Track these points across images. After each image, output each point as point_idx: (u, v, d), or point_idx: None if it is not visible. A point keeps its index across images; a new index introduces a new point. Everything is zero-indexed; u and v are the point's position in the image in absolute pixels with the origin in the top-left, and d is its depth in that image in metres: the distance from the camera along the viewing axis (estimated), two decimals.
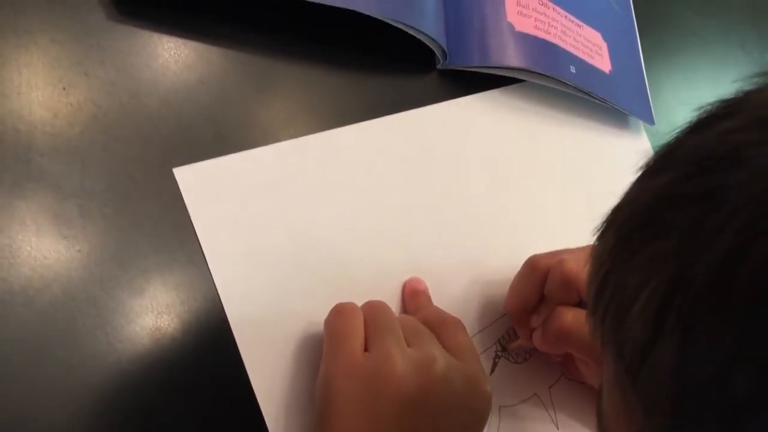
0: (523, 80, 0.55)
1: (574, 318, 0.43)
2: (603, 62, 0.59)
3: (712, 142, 0.22)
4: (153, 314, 0.38)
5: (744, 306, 0.18)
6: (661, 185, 0.22)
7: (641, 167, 0.24)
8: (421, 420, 0.38)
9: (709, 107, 0.23)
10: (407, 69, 0.52)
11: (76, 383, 0.35)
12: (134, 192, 0.39)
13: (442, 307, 0.46)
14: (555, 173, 0.57)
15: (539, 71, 0.53)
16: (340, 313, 0.40)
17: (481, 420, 0.41)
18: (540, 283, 0.46)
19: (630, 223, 0.23)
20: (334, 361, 0.39)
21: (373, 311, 0.41)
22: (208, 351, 0.39)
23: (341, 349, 0.39)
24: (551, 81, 0.54)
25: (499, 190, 0.53)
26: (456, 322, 0.43)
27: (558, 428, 0.49)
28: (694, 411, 0.19)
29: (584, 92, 0.56)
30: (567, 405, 0.50)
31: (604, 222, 0.25)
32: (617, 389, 0.24)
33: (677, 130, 0.24)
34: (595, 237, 0.25)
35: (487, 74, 0.53)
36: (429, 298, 0.46)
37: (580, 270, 0.43)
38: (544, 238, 0.51)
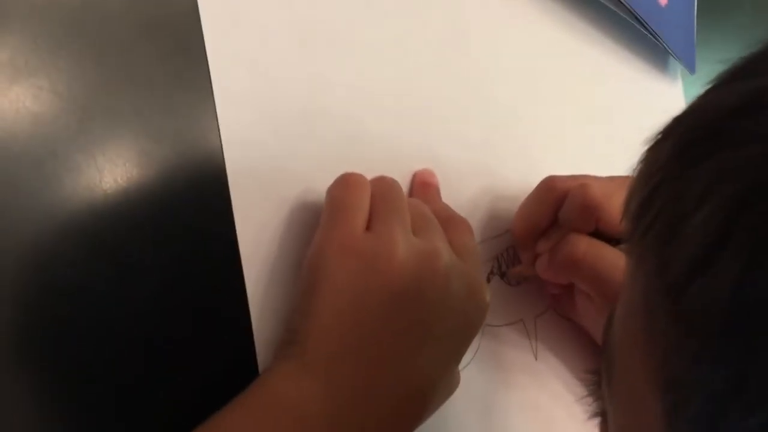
0: None
1: (588, 246, 0.41)
2: None
3: None
4: (144, 136, 0.33)
5: None
6: (749, 90, 0.19)
7: (714, 79, 0.21)
8: (412, 315, 0.34)
9: None
10: None
11: (47, 190, 0.31)
12: None
13: (445, 203, 0.43)
14: (584, 99, 0.54)
15: None
16: (345, 183, 0.36)
17: (474, 329, 0.38)
18: (554, 206, 0.42)
19: (698, 131, 0.20)
20: (330, 233, 0.35)
21: (383, 188, 0.37)
22: (196, 194, 0.34)
23: (341, 222, 0.35)
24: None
25: (523, 100, 0.50)
26: (465, 222, 0.40)
27: (536, 359, 0.47)
28: (746, 341, 0.17)
29: (637, 19, 0.52)
30: (549, 338, 0.48)
31: (660, 132, 0.22)
32: (642, 313, 0.21)
33: (762, 42, 0.20)
34: (645, 149, 0.22)
35: None
36: (439, 192, 0.43)
37: (604, 197, 0.40)
38: (559, 162, 0.48)
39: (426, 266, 0.35)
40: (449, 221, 0.39)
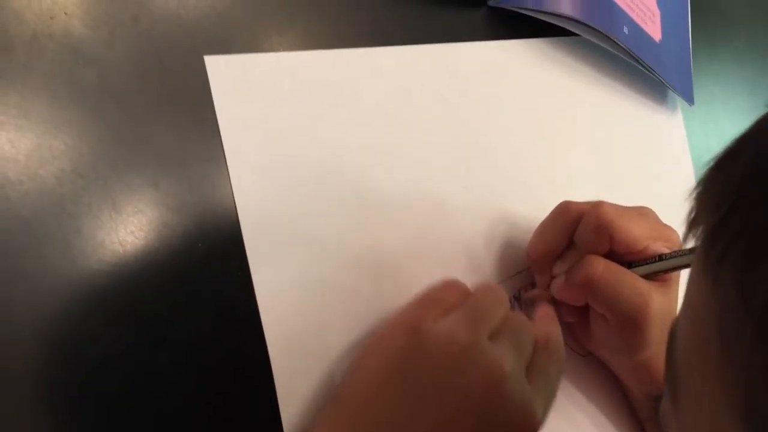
0: (572, 34, 0.53)
1: (606, 268, 0.41)
2: (654, 29, 0.56)
3: None
4: (163, 208, 0.35)
5: None
6: None
7: None
8: (448, 410, 0.33)
9: None
10: (457, 1, 0.48)
11: (73, 267, 0.32)
12: (160, 73, 0.35)
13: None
14: (587, 135, 0.55)
15: (592, 25, 0.50)
16: (442, 282, 0.38)
17: None
18: (569, 228, 0.43)
19: None
20: (399, 315, 0.36)
21: (481, 292, 0.38)
22: (215, 258, 0.36)
23: (414, 308, 0.37)
24: (602, 39, 0.52)
25: (529, 142, 0.51)
26: (558, 353, 0.39)
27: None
28: None
29: (632, 56, 0.53)
30: (567, 375, 0.49)
31: (725, 153, 0.22)
32: (717, 338, 0.21)
33: None
34: (707, 171, 0.22)
35: (537, 22, 0.50)
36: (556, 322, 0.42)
37: (616, 215, 0.41)
38: (566, 196, 0.49)
39: (482, 367, 0.34)
40: (545, 347, 0.38)
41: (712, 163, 0.22)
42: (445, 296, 0.37)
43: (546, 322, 0.41)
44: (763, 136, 0.21)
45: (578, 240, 0.43)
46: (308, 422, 0.36)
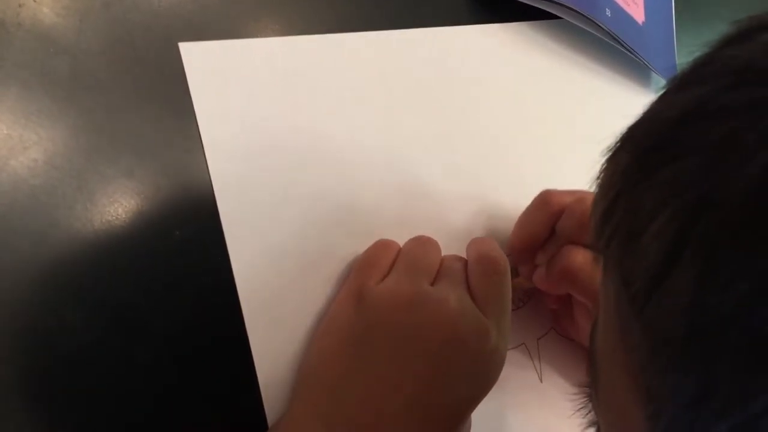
0: (554, 17, 0.52)
1: (584, 258, 0.41)
2: (637, 12, 0.56)
3: (755, 53, 0.19)
4: (139, 198, 0.34)
5: None
6: (692, 98, 0.19)
7: (665, 85, 0.21)
8: (416, 357, 0.34)
9: (748, 20, 0.20)
10: None
11: (46, 258, 0.32)
12: (133, 61, 0.35)
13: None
14: (570, 119, 0.54)
15: (575, 8, 0.50)
16: (372, 247, 0.39)
17: (484, 377, 0.37)
18: (551, 219, 0.43)
19: (650, 140, 0.20)
20: (344, 287, 0.37)
21: (408, 246, 0.39)
22: (194, 246, 0.35)
23: (354, 277, 0.37)
24: (584, 21, 0.51)
25: (512, 127, 0.51)
26: (492, 265, 0.39)
27: (542, 381, 0.48)
28: (708, 349, 0.17)
29: (615, 39, 0.53)
30: (553, 359, 0.48)
31: (618, 141, 0.22)
32: (617, 326, 0.21)
33: (707, 45, 0.20)
34: (605, 158, 0.23)
35: (520, 5, 0.50)
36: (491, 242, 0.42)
37: None
38: (551, 182, 0.49)
39: (431, 311, 0.35)
40: (477, 263, 0.39)
41: (607, 152, 0.22)
42: (381, 257, 0.38)
43: (475, 244, 0.41)
44: (644, 126, 0.21)
45: (560, 231, 0.42)
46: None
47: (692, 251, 0.17)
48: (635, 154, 0.21)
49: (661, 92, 0.21)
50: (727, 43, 0.20)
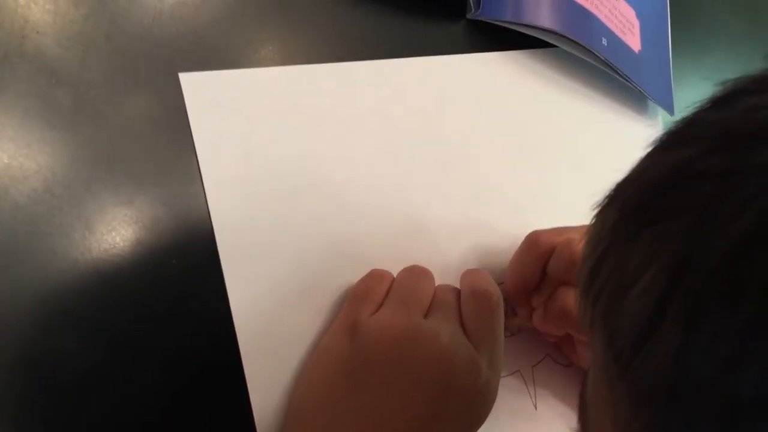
0: (551, 46, 0.53)
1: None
2: (633, 40, 0.56)
3: (736, 119, 0.19)
4: (137, 226, 0.35)
5: (759, 296, 0.16)
6: (675, 161, 0.20)
7: (653, 141, 0.22)
8: (407, 393, 0.35)
9: (734, 82, 0.20)
10: (436, 13, 0.49)
11: (44, 286, 0.32)
12: (135, 91, 0.36)
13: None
14: (567, 148, 0.55)
15: (571, 37, 0.51)
16: (367, 276, 0.39)
17: (476, 413, 0.38)
18: (541, 261, 0.43)
19: (636, 200, 0.21)
20: (336, 319, 0.37)
21: (401, 276, 0.39)
22: (191, 275, 0.36)
23: (348, 309, 0.37)
24: (581, 50, 0.52)
25: (509, 156, 0.51)
26: (484, 300, 0.39)
27: (536, 408, 0.48)
28: (690, 410, 0.17)
29: (611, 67, 0.53)
30: (548, 386, 0.49)
31: (606, 197, 0.23)
32: (605, 379, 0.22)
33: (696, 105, 0.21)
34: (594, 213, 0.23)
35: (516, 34, 0.51)
36: (484, 275, 0.43)
37: None
38: (548, 211, 0.49)
39: (423, 347, 0.35)
40: (470, 297, 0.39)
41: (596, 207, 0.23)
42: (375, 287, 0.38)
43: (469, 276, 0.42)
44: (632, 183, 0.22)
45: (551, 273, 0.43)
46: None
47: (675, 311, 0.18)
48: (622, 213, 0.21)
49: (649, 149, 0.22)
50: (713, 104, 0.21)
